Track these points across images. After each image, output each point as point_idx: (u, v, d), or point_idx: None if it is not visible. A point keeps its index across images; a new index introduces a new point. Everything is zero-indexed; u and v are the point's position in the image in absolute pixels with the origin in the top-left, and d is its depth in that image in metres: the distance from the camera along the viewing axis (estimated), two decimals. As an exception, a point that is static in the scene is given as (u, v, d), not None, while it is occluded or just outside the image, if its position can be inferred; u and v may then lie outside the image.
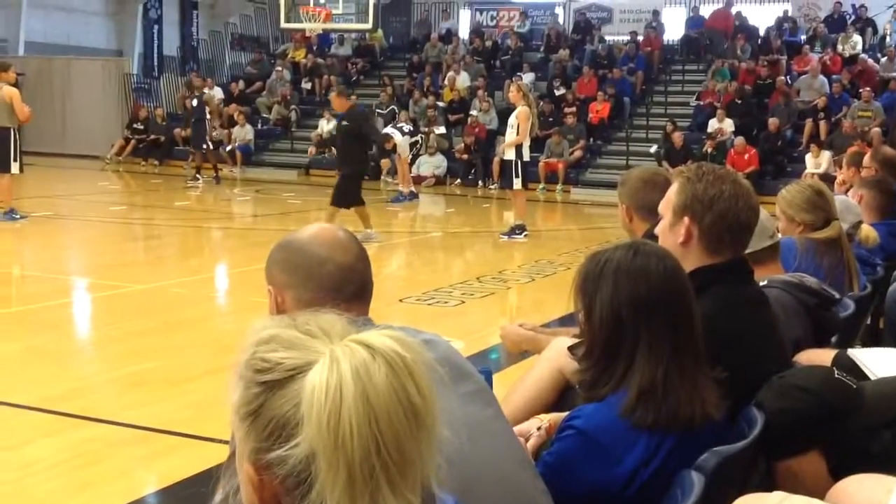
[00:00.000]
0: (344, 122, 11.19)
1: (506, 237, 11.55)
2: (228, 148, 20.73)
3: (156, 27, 30.95)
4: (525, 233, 11.55)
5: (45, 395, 4.96)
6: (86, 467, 4.09)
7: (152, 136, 21.35)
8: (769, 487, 1.78)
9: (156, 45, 29.75)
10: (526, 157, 11.50)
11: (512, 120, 11.41)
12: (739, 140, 17.34)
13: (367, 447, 0.99)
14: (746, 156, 17.11)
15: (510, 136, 11.48)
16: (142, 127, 21.70)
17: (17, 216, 11.55)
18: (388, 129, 16.18)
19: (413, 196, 15.98)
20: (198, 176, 17.79)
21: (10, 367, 5.60)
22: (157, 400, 5.05)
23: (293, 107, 22.30)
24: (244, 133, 21.02)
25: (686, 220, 2.40)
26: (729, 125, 18.17)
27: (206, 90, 18.64)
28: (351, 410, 0.99)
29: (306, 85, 23.30)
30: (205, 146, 18.14)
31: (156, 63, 28.52)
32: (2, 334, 6.37)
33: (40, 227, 11.71)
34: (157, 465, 4.24)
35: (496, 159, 18.73)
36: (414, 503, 1.03)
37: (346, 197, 10.83)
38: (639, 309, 2.01)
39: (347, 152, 11.07)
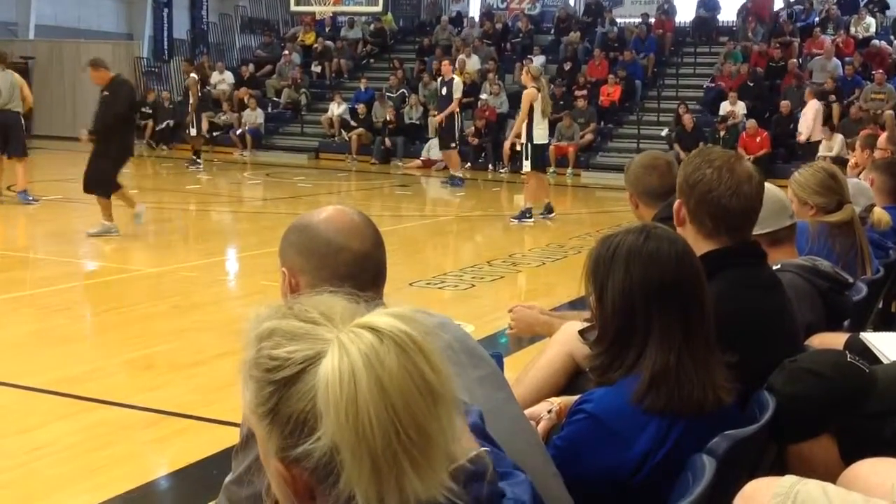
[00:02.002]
0: (105, 94, 9.79)
1: (516, 221, 11.55)
2: (239, 132, 20.74)
3: (166, 10, 30.90)
4: (537, 216, 11.53)
5: (56, 378, 4.98)
6: (97, 450, 4.11)
7: (166, 121, 21.30)
8: (781, 471, 1.77)
9: (166, 29, 29.73)
10: (538, 139, 11.45)
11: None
12: (751, 123, 17.24)
13: (388, 434, 0.98)
14: (758, 139, 17.02)
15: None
16: (150, 111, 21.69)
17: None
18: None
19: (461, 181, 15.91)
20: (195, 159, 17.67)
21: (21, 350, 5.62)
22: (167, 383, 5.07)
23: (303, 90, 22.27)
24: (254, 117, 21.01)
25: (678, 202, 2.43)
26: (741, 108, 18.07)
27: (192, 75, 18.57)
28: (367, 399, 0.98)
29: (316, 68, 23.26)
30: (192, 132, 18.02)
31: (166, 46, 28.52)
32: (14, 317, 6.39)
33: (51, 210, 11.74)
34: (168, 448, 4.26)
35: (506, 143, 18.70)
36: (440, 481, 1.02)
37: (102, 181, 9.53)
38: (651, 293, 2.00)
39: (107, 129, 9.59)
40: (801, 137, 16.14)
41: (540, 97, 11.33)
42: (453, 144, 15.85)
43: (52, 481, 3.85)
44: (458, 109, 15.74)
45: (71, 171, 16.33)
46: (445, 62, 16.27)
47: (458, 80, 15.64)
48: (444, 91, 15.43)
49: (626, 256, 2.03)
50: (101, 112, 9.60)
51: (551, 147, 18.31)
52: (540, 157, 11.64)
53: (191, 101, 18.06)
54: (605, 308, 2.06)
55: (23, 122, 11.90)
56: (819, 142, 16.10)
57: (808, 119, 15.78)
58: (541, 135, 11.49)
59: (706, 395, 1.96)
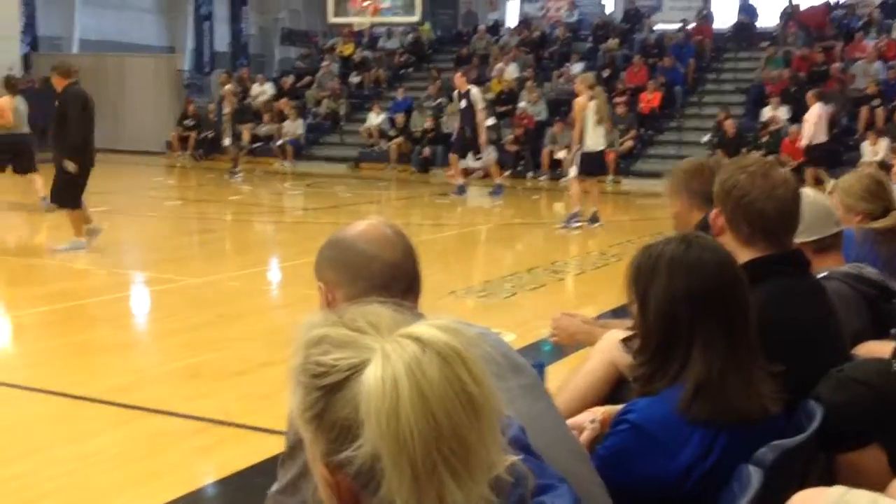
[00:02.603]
0: (56, 103, 9.42)
1: (563, 226, 11.61)
2: (279, 142, 20.91)
3: (207, 23, 31.26)
4: (579, 223, 11.54)
5: (104, 387, 5.05)
6: (144, 458, 4.17)
7: (204, 133, 21.55)
8: (829, 482, 1.76)
9: (207, 42, 30.07)
10: (588, 147, 11.48)
11: None
12: (794, 128, 17.06)
13: (428, 444, 0.99)
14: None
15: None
16: (192, 123, 21.95)
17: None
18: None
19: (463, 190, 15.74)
20: (235, 170, 17.73)
21: (70, 360, 5.71)
22: (213, 392, 5.12)
23: (342, 100, 22.41)
24: (294, 127, 21.18)
25: (716, 210, 2.44)
26: (783, 113, 17.90)
27: (228, 86, 18.73)
28: (407, 408, 0.99)
29: (355, 79, 23.41)
30: (226, 142, 18.13)
31: (207, 59, 28.84)
32: (62, 328, 6.50)
33: (98, 222, 11.90)
34: (215, 456, 4.31)
35: (545, 150, 18.69)
36: (480, 493, 1.03)
37: (68, 194, 9.21)
38: (694, 303, 2.00)
39: (62, 140, 9.25)
40: (802, 142, 15.95)
41: (593, 105, 11.40)
42: (480, 156, 15.83)
43: (101, 489, 3.90)
44: (484, 121, 15.53)
45: (115, 184, 16.58)
46: (458, 74, 15.92)
47: (475, 90, 15.41)
48: (462, 104, 15.27)
49: (669, 265, 2.03)
50: (57, 126, 9.28)
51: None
52: (589, 165, 11.65)
53: (225, 111, 18.20)
54: (648, 317, 2.06)
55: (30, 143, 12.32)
56: (823, 145, 15.84)
57: (810, 124, 15.58)
58: (593, 142, 11.53)
59: (751, 405, 1.96)
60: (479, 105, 15.16)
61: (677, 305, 2.01)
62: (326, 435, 1.06)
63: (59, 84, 9.40)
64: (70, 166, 9.07)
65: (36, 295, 7.97)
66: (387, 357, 1.02)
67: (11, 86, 12.64)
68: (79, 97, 9.26)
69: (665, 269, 2.03)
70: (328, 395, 1.05)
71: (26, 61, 24.83)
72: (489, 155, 15.96)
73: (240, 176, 17.62)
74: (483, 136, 15.28)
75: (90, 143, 9.38)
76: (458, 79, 15.53)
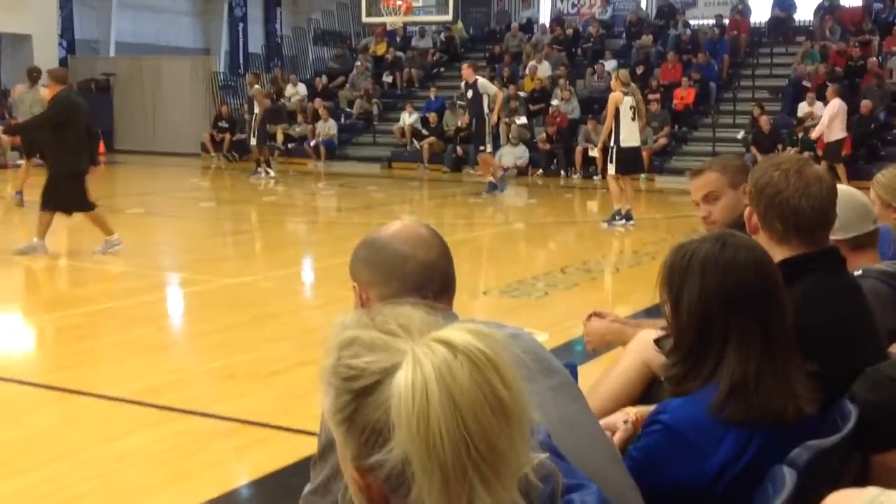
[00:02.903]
0: (47, 108, 9.54)
1: (606, 224, 11.59)
2: (312, 143, 21.02)
3: (241, 25, 31.47)
4: (623, 220, 11.52)
5: (140, 388, 5.10)
6: (180, 459, 4.20)
7: (238, 134, 21.71)
8: (864, 482, 1.74)
9: (241, 43, 30.28)
10: (624, 142, 11.46)
11: None
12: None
13: (458, 449, 0.99)
14: (838, 139, 16.62)
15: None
16: (226, 124, 22.12)
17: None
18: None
19: (494, 187, 15.52)
20: (258, 169, 17.83)
21: (106, 361, 5.78)
22: (247, 392, 5.16)
23: (375, 100, 22.48)
24: (328, 128, 21.27)
25: (749, 209, 2.42)
26: (819, 108, 17.69)
27: (256, 86, 18.79)
28: (438, 413, 0.99)
29: (387, 78, 23.47)
30: (253, 141, 18.22)
31: (241, 61, 29.03)
32: (98, 329, 6.57)
33: (133, 224, 12.04)
34: (249, 457, 4.33)
35: (578, 149, 18.63)
36: (511, 498, 1.03)
37: (56, 199, 9.10)
38: (728, 302, 1.98)
39: (51, 146, 9.37)
40: (814, 135, 15.77)
41: (628, 101, 11.37)
42: (482, 147, 15.41)
43: (137, 490, 3.94)
44: (495, 113, 15.25)
45: (151, 185, 16.76)
46: (465, 65, 15.72)
47: (482, 80, 15.27)
48: (469, 94, 15.15)
49: (703, 265, 2.01)
50: (50, 131, 9.36)
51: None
52: (626, 161, 11.59)
53: (256, 111, 18.28)
54: (681, 317, 2.04)
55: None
56: (840, 141, 15.57)
57: (824, 118, 15.42)
58: (627, 137, 11.49)
59: (786, 406, 1.93)
60: (490, 91, 15.01)
61: (711, 305, 1.99)
62: (357, 437, 1.06)
63: (52, 90, 9.49)
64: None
65: (72, 297, 8.08)
66: (417, 361, 1.01)
67: (33, 78, 12.82)
68: (66, 103, 9.24)
69: (699, 269, 2.01)
70: (359, 398, 1.05)
71: (63, 64, 25.15)
72: (487, 150, 15.47)
73: (262, 174, 17.64)
74: (493, 117, 15.06)
75: (81, 149, 9.29)
76: (466, 69, 15.38)
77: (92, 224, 9.33)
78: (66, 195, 9.04)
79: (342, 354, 1.08)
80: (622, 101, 11.36)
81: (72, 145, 9.13)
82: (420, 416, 0.99)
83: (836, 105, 15.35)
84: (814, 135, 15.76)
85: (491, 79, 21.72)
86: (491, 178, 15.38)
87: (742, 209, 3.15)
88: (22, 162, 13.61)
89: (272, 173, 17.88)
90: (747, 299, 1.98)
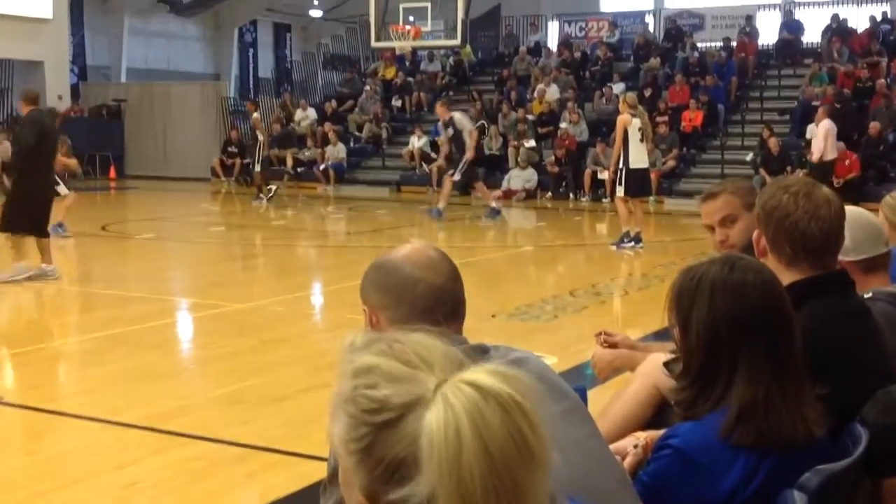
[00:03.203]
0: (16, 128, 9.57)
1: (614, 247, 11.59)
2: (322, 167, 21.10)
3: (251, 50, 31.70)
4: (632, 242, 11.50)
5: (149, 414, 5.10)
6: (190, 485, 4.19)
7: (246, 159, 21.82)
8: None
9: (251, 68, 30.48)
10: (633, 164, 11.50)
11: None
12: (839, 145, 16.86)
13: (488, 492, 0.99)
14: (847, 161, 16.62)
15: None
16: (236, 149, 22.23)
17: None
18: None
19: (496, 213, 15.37)
20: (259, 195, 17.87)
21: (116, 387, 5.78)
22: (257, 417, 5.15)
23: (384, 124, 22.58)
24: (337, 151, 21.35)
25: (757, 232, 2.41)
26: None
27: (255, 114, 18.96)
28: (471, 457, 0.99)
29: (396, 102, 23.57)
30: (257, 168, 18.22)
31: (251, 86, 29.21)
32: (109, 355, 6.58)
33: (144, 248, 12.09)
34: (258, 483, 4.32)
35: (587, 171, 18.65)
36: None
37: (12, 220, 8.92)
38: (737, 326, 1.97)
39: (18, 167, 9.18)
40: (814, 157, 15.79)
41: (635, 123, 11.43)
42: (451, 172, 15.20)
43: (147, 515, 3.93)
44: (471, 151, 15.03)
45: (162, 210, 16.83)
46: (438, 104, 15.67)
47: (457, 115, 15.26)
48: (449, 131, 15.11)
49: (711, 288, 2.01)
50: (14, 149, 9.42)
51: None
52: (635, 184, 11.61)
53: (260, 139, 18.36)
54: (690, 341, 2.04)
55: None
56: (834, 161, 15.60)
57: (819, 139, 15.46)
58: (636, 159, 11.53)
59: (797, 430, 1.92)
60: (466, 127, 14.96)
61: (720, 329, 1.99)
62: (370, 468, 1.05)
63: (23, 110, 9.48)
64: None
65: (82, 322, 8.10)
66: (448, 403, 1.01)
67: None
68: (35, 123, 9.08)
69: (708, 292, 2.01)
70: (378, 431, 1.04)
71: (76, 91, 25.35)
72: (454, 177, 15.21)
73: (264, 200, 17.68)
74: (469, 154, 14.94)
75: (43, 171, 9.18)
76: (440, 108, 15.40)
77: (38, 249, 9.16)
78: (20, 216, 8.86)
79: (359, 383, 1.07)
80: (630, 123, 11.43)
81: (36, 168, 8.98)
82: (452, 460, 0.99)
83: (828, 125, 15.42)
84: (814, 157, 15.79)
85: (499, 102, 21.85)
86: (493, 204, 15.34)
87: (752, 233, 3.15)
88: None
89: (264, 200, 17.83)
90: (756, 322, 1.98)
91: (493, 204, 15.32)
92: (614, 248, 11.61)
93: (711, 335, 2.00)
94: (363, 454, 1.06)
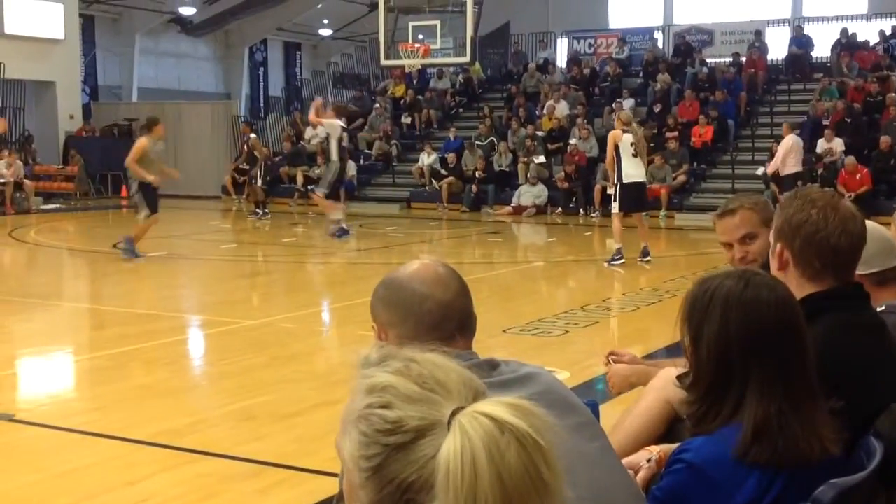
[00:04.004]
0: None
1: (606, 264, 11.54)
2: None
3: (261, 69, 31.85)
4: (621, 259, 11.43)
5: (161, 430, 5.10)
6: (201, 501, 4.19)
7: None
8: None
9: (262, 87, 30.62)
10: (626, 178, 11.40)
11: None
12: (850, 160, 16.84)
13: None
14: (858, 175, 16.60)
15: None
16: (247, 166, 22.29)
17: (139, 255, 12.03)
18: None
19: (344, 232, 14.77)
20: (257, 210, 18.74)
21: (128, 404, 5.79)
22: (268, 434, 5.15)
23: (394, 141, 22.63)
24: (348, 168, 21.38)
25: (779, 246, 2.37)
26: (838, 145, 17.67)
27: (252, 135, 19.42)
28: (486, 491, 0.99)
29: (406, 120, 23.64)
30: (255, 182, 19.10)
31: (262, 104, 29.34)
32: (121, 371, 6.59)
33: (156, 266, 12.12)
34: (269, 499, 4.31)
35: (597, 187, 18.66)
36: None
37: None
38: (748, 344, 1.96)
39: None
40: (770, 170, 15.84)
41: (626, 138, 11.36)
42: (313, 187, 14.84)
43: (159, 532, 3.93)
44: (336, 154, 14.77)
45: (173, 228, 16.87)
46: (311, 114, 15.31)
47: (329, 121, 15.02)
48: (321, 133, 15.01)
49: (724, 303, 2.00)
50: None
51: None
52: (629, 199, 11.56)
53: (259, 158, 19.08)
54: (700, 355, 2.03)
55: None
56: (796, 174, 15.65)
57: (779, 153, 15.58)
58: (630, 174, 11.44)
59: (812, 448, 1.91)
60: (335, 135, 14.75)
61: (731, 345, 1.97)
62: (379, 487, 1.05)
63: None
64: None
65: (94, 340, 8.12)
66: (465, 434, 1.01)
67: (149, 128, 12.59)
68: None
69: (720, 307, 1.99)
70: (391, 453, 1.04)
71: (87, 111, 25.50)
72: (322, 189, 14.95)
73: (259, 214, 18.37)
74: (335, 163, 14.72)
75: None
76: (313, 117, 15.07)
77: None
78: None
79: (374, 401, 1.07)
80: (621, 139, 11.34)
81: None
82: (468, 491, 0.99)
83: (791, 140, 15.53)
84: (770, 170, 15.90)
85: (509, 118, 21.88)
86: (335, 216, 14.88)
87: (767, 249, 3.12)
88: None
89: (259, 213, 18.60)
90: (768, 341, 1.96)
91: (336, 216, 14.84)
92: (606, 265, 11.53)
93: (722, 351, 1.98)
94: (373, 473, 1.05)
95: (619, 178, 11.41)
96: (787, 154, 15.44)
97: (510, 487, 0.99)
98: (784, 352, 1.96)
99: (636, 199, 11.75)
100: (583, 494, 1.71)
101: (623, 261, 11.39)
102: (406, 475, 1.03)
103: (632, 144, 11.38)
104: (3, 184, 19.26)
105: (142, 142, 12.34)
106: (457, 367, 1.10)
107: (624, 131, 11.41)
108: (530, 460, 1.01)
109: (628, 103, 21.15)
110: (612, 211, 11.63)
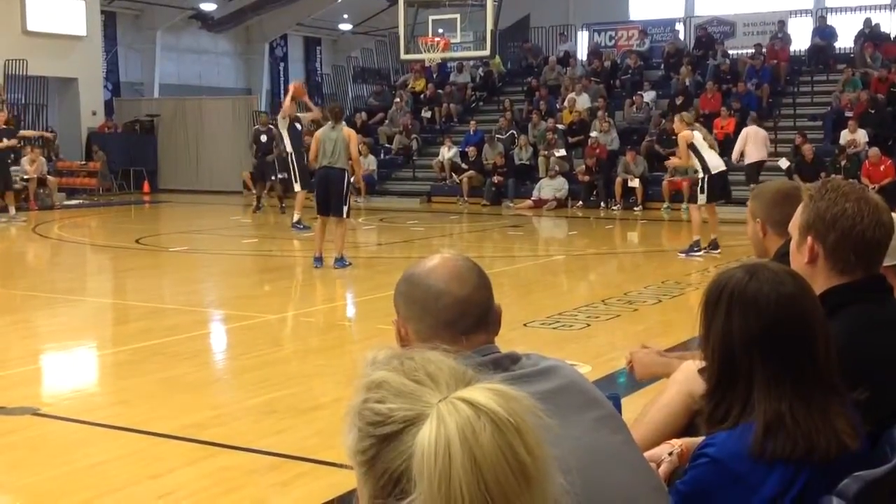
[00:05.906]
0: None
1: (683, 254, 11.71)
2: (352, 179, 21.19)
3: (282, 65, 31.91)
4: (701, 251, 11.60)
5: (184, 424, 5.13)
6: (223, 494, 4.21)
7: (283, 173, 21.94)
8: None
9: (282, 82, 30.68)
10: (714, 170, 11.63)
11: None
12: (874, 151, 16.70)
13: None
14: (882, 167, 16.45)
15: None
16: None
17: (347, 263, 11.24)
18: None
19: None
20: (260, 205, 18.90)
21: (151, 398, 5.82)
22: (289, 427, 5.17)
23: (414, 136, 22.63)
24: (367, 163, 21.41)
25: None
26: (862, 136, 17.52)
27: (270, 126, 19.11)
28: (460, 473, 0.99)
29: (426, 114, 23.63)
30: (273, 178, 18.66)
31: (282, 99, 29.35)
32: (144, 366, 6.63)
33: (178, 261, 12.19)
34: (291, 492, 4.33)
35: (618, 180, 18.59)
36: None
37: None
38: (749, 343, 1.95)
39: None
40: (734, 157, 16.14)
41: (697, 135, 11.62)
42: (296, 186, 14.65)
43: (182, 525, 3.95)
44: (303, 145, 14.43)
45: (195, 223, 16.96)
46: (286, 102, 14.68)
47: (301, 114, 14.88)
48: (298, 126, 14.72)
49: (729, 298, 1.99)
50: None
51: (664, 182, 18.18)
52: (717, 188, 11.73)
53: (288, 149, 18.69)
54: (709, 353, 2.03)
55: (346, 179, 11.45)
56: (761, 163, 16.07)
57: (739, 143, 16.09)
58: (715, 164, 11.69)
59: (829, 443, 1.89)
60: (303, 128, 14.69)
61: (734, 343, 1.96)
62: (376, 479, 1.07)
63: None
64: None
65: (117, 334, 8.18)
66: (441, 419, 1.02)
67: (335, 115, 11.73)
68: None
69: (725, 303, 1.99)
70: (381, 443, 1.06)
71: (109, 106, 25.65)
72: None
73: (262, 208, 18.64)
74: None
75: None
76: (287, 106, 14.61)
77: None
78: None
79: (369, 397, 1.09)
80: (693, 137, 11.60)
81: None
82: (442, 475, 0.99)
83: (748, 132, 16.12)
84: (734, 157, 16.11)
85: (529, 112, 21.83)
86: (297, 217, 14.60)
87: (763, 239, 3.12)
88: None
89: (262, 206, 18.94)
90: (770, 339, 1.94)
91: (297, 217, 14.56)
92: (683, 255, 11.65)
93: (725, 349, 1.98)
94: (368, 466, 1.08)
95: (706, 169, 11.61)
96: (745, 144, 15.81)
97: (485, 469, 0.99)
98: (789, 348, 1.94)
99: (723, 187, 11.99)
100: (606, 486, 1.71)
101: (702, 252, 11.47)
102: (396, 466, 1.05)
103: (704, 138, 11.62)
104: (27, 180, 19.41)
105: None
106: (451, 362, 1.12)
107: (691, 129, 11.63)
108: (506, 442, 1.01)
109: (649, 95, 21.05)
110: (700, 202, 11.81)
